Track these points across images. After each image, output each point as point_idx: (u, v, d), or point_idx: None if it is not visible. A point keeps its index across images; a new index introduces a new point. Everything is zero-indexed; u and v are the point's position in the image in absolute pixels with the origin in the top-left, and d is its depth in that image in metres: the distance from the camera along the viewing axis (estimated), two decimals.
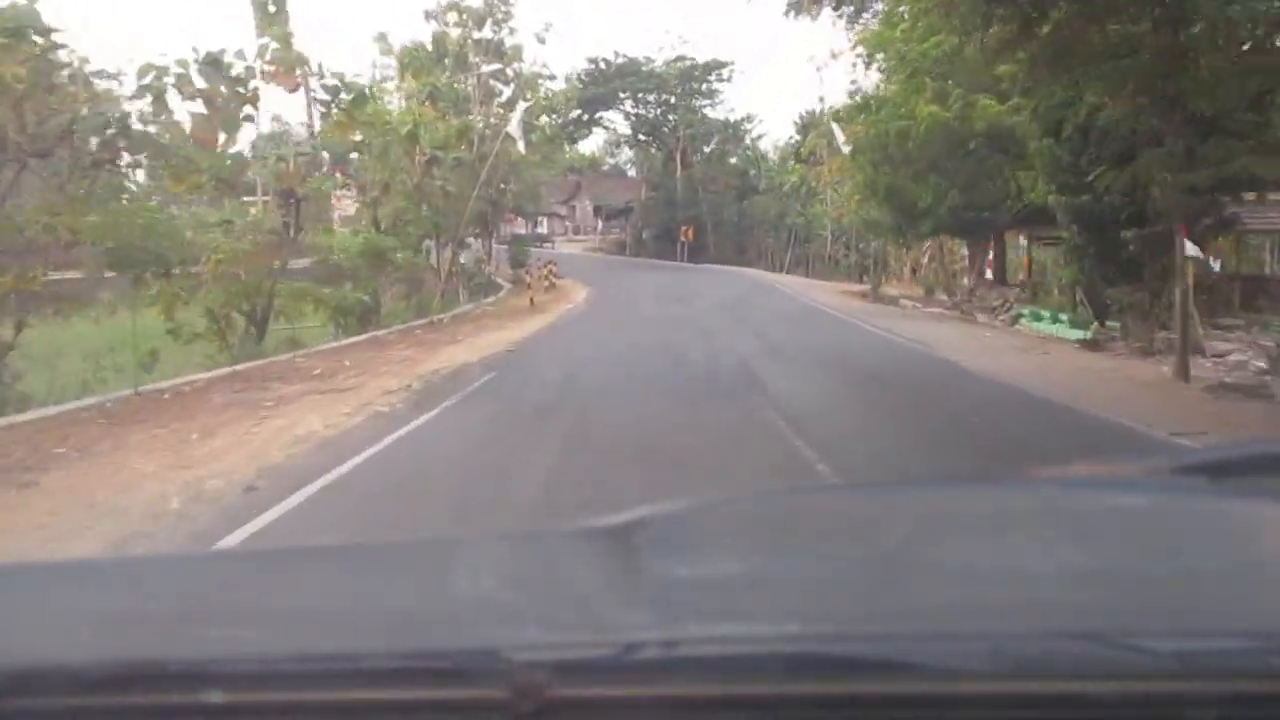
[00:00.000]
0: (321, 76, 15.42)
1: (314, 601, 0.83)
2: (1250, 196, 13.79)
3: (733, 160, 45.78)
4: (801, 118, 51.66)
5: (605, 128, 45.16)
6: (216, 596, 0.85)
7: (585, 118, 42.94)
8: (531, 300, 22.40)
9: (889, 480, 1.51)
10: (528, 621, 0.72)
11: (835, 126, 27.15)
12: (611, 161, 78.91)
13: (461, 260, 25.52)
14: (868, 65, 20.86)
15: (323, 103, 15.91)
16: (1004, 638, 0.67)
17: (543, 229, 64.45)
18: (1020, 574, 0.79)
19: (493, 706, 0.64)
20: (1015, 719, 0.65)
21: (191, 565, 1.11)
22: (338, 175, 19.20)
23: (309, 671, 0.67)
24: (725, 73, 43.81)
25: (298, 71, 14.32)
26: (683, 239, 43.53)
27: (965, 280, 25.78)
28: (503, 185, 27.12)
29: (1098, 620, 0.70)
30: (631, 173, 62.56)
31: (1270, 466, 0.97)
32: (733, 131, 43.45)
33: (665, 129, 45.31)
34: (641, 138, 45.35)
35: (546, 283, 26.85)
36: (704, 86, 42.59)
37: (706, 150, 44.10)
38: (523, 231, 63.19)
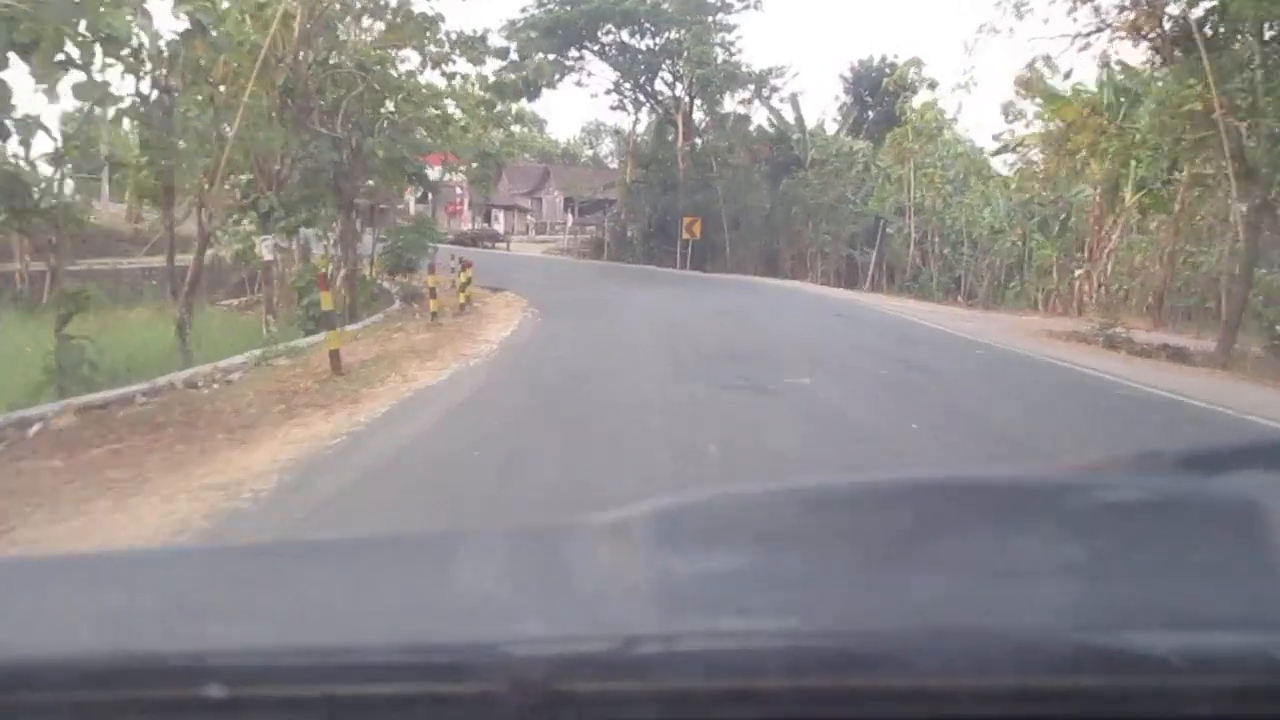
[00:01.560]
0: None
1: (314, 596, 0.87)
2: None
3: (762, 123, 31.19)
4: (853, 70, 36.71)
5: (578, 82, 31.12)
6: (216, 590, 0.89)
7: (552, 59, 28.13)
8: (335, 360, 9.35)
9: (889, 476, 1.53)
10: (528, 616, 0.75)
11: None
12: (589, 153, 64.44)
13: (268, 257, 14.24)
14: None
15: None
16: (1003, 633, 0.70)
17: (498, 224, 55.83)
18: (1020, 570, 0.82)
19: (493, 701, 0.67)
20: (1014, 714, 0.68)
21: (191, 559, 1.15)
22: None
23: (309, 665, 0.70)
24: None
25: None
26: (686, 236, 33.31)
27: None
28: (381, 119, 16.71)
29: (1097, 616, 0.73)
30: (614, 165, 53.56)
31: (1268, 460, 0.99)
32: (759, 84, 29.14)
33: (663, 79, 30.78)
34: (628, 92, 30.98)
35: (449, 300, 16.60)
36: (718, 18, 28.00)
37: (721, 111, 29.66)
38: (467, 227, 49.00)
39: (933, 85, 29.31)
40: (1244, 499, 0.91)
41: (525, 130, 65.30)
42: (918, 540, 0.88)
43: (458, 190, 50.17)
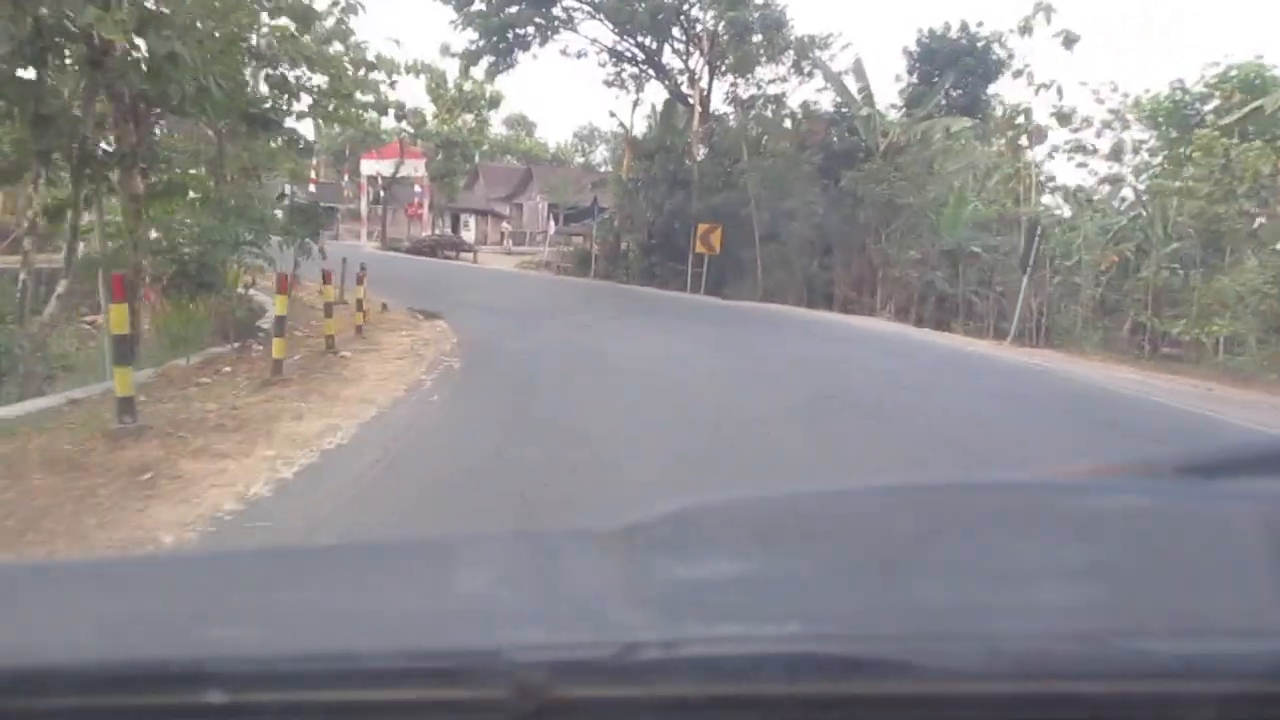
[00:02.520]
0: None
1: (315, 601, 0.89)
2: None
3: (815, 106, 23.37)
4: (920, 42, 29.68)
5: (563, 49, 24.30)
6: (217, 596, 0.91)
7: (531, 13, 20.71)
8: None
9: (889, 480, 1.14)
10: (528, 622, 0.78)
11: None
12: (581, 160, 62.20)
13: None
14: None
15: None
16: (1004, 638, 0.72)
17: (468, 231, 47.41)
18: (1020, 574, 0.84)
19: (493, 707, 0.68)
20: (1015, 719, 0.70)
21: (192, 564, 1.13)
22: None
23: (310, 671, 0.71)
24: None
25: None
26: (700, 249, 25.64)
27: None
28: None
29: (1097, 620, 0.75)
30: (606, 168, 46.85)
31: (1270, 465, 1.00)
32: (800, 53, 21.21)
33: (673, 48, 23.01)
34: (628, 59, 23.33)
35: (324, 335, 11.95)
36: None
37: (748, 90, 22.54)
38: (426, 232, 42.26)
39: (1069, 42, 21.48)
40: (1244, 505, 0.94)
41: (511, 133, 57.82)
42: (919, 545, 0.90)
43: (417, 189, 42.64)
